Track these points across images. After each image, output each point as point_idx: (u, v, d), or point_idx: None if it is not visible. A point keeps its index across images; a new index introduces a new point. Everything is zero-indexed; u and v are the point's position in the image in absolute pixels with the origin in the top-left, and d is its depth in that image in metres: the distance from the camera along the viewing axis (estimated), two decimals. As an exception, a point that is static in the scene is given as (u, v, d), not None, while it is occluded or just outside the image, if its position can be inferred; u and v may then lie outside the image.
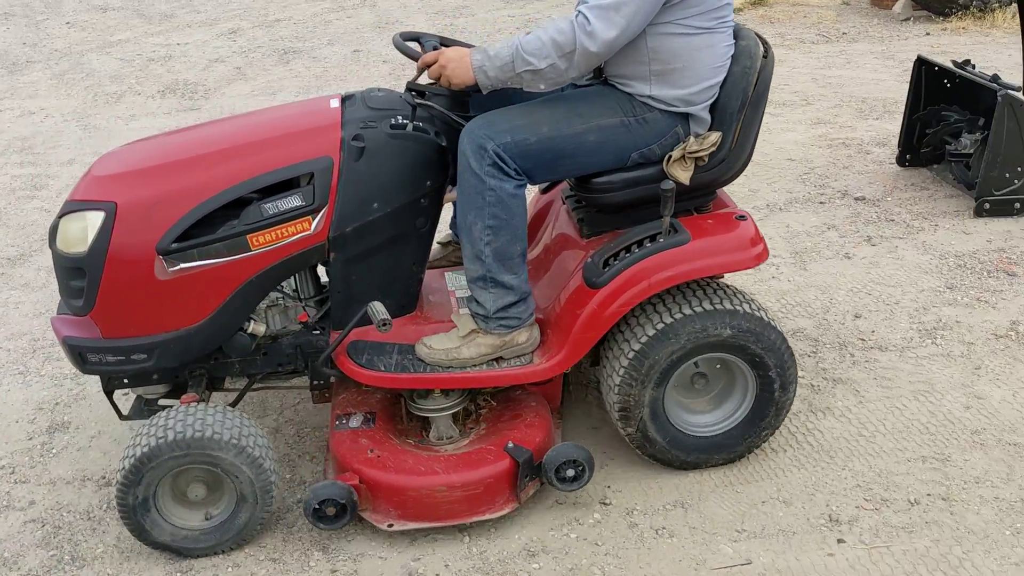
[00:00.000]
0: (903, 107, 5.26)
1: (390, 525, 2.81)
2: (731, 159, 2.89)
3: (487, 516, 2.83)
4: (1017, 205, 4.70)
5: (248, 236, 2.72)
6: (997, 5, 8.44)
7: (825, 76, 7.20)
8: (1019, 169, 4.62)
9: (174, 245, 2.68)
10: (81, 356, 2.79)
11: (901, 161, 5.35)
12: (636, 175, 2.86)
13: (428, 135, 2.84)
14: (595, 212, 3.05)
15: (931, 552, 2.71)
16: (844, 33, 8.50)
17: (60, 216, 2.77)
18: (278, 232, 2.74)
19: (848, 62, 7.59)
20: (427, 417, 3.02)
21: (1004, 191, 4.67)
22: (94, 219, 2.68)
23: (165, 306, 2.76)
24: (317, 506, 2.72)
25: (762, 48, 2.85)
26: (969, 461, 3.07)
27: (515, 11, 9.77)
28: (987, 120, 4.67)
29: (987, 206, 4.69)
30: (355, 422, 3.01)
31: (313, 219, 2.76)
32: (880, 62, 7.51)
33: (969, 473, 3.02)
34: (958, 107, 5.05)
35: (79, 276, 2.74)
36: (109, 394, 3.05)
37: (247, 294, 2.81)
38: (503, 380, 2.91)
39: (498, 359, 2.88)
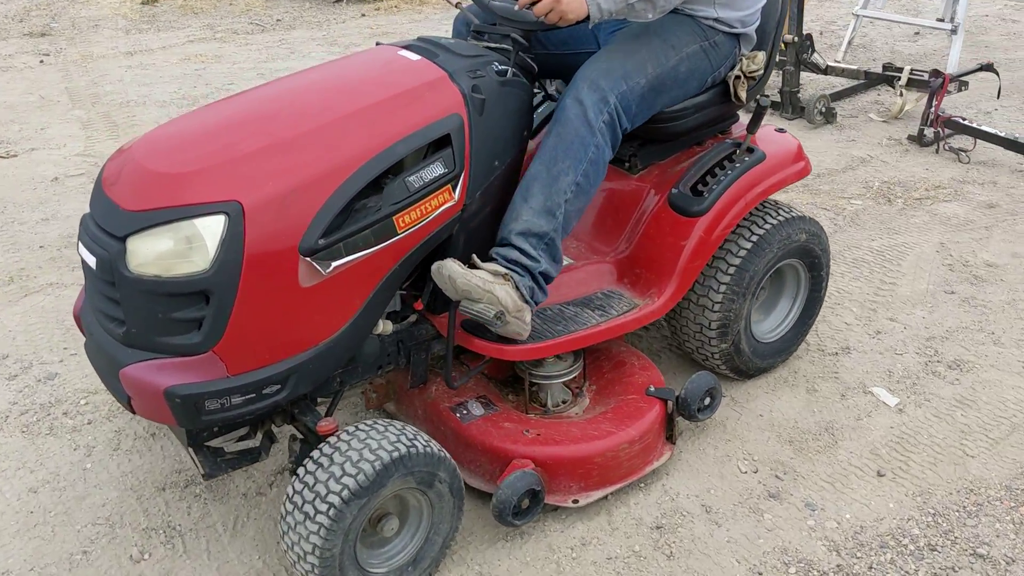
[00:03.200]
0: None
1: (575, 501, 2.61)
2: (764, 78, 3.06)
3: (655, 464, 2.76)
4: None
5: (394, 217, 2.31)
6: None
7: (273, 70, 7.10)
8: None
9: (321, 242, 2.17)
10: (197, 407, 2.17)
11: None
12: (704, 99, 2.92)
13: (524, 80, 2.62)
14: (645, 145, 3.04)
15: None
16: (279, 20, 8.38)
17: (130, 234, 2.11)
18: (423, 208, 2.36)
19: (292, 52, 7.51)
20: (540, 385, 2.83)
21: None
22: (211, 227, 2.08)
23: (307, 319, 2.25)
24: (515, 502, 2.45)
25: None
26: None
27: None
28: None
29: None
30: (477, 410, 2.73)
31: (454, 187, 2.41)
32: (325, 48, 7.62)
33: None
34: None
35: (197, 303, 2.11)
36: (195, 448, 2.42)
37: (389, 286, 2.39)
38: (625, 328, 2.81)
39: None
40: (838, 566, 2.47)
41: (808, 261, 3.17)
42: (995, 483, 2.76)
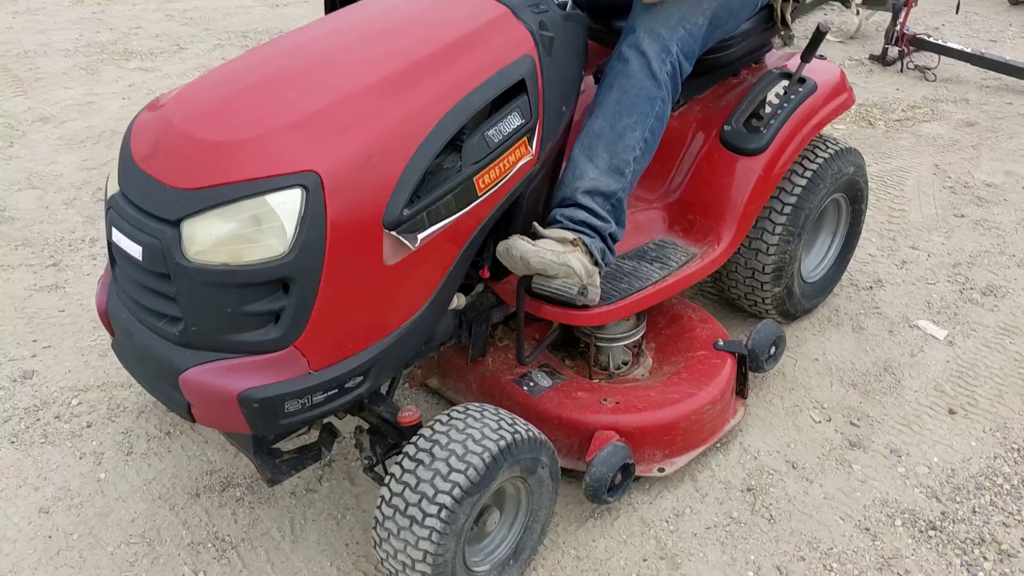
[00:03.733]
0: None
1: (660, 470, 2.44)
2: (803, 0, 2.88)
3: (732, 423, 2.61)
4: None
5: (475, 178, 2.03)
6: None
7: (181, 9, 6.73)
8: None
9: (406, 213, 1.88)
10: (275, 410, 1.88)
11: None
12: (748, 27, 2.71)
13: (583, 14, 2.36)
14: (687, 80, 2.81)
15: None
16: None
17: (185, 217, 1.78)
18: (502, 165, 2.08)
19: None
20: (601, 348, 2.63)
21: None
22: (287, 203, 1.76)
23: (391, 300, 1.97)
24: (609, 478, 2.26)
25: None
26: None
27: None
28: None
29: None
30: (544, 380, 2.51)
31: (530, 140, 2.15)
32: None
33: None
34: None
35: (274, 293, 1.81)
36: (265, 454, 2.14)
37: (467, 256, 2.12)
38: (691, 280, 2.61)
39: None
40: (943, 514, 2.38)
41: (852, 194, 3.03)
42: (1066, 411, 2.72)
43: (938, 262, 3.47)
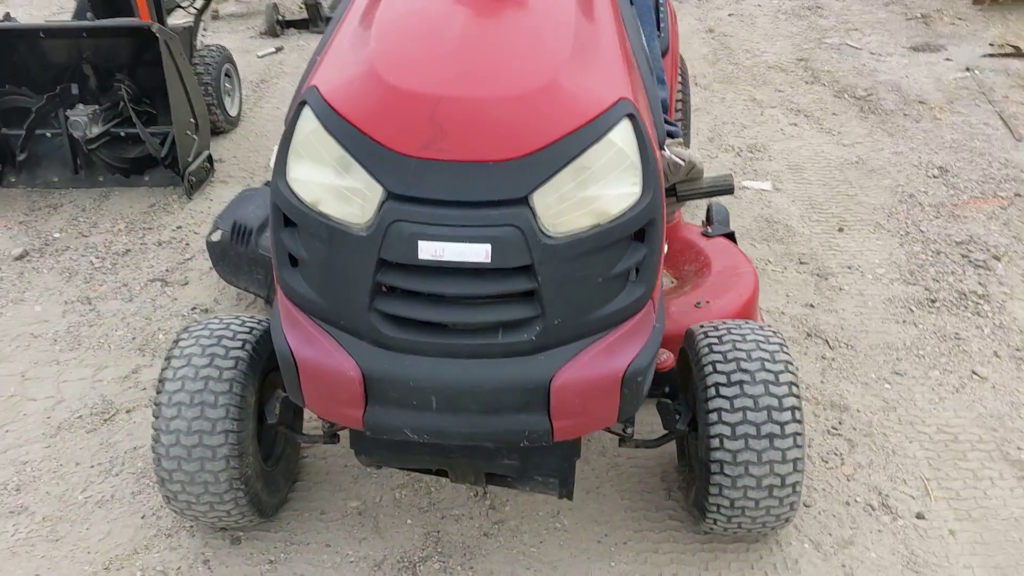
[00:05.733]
0: None
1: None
2: None
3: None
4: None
5: None
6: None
7: None
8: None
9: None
10: (647, 378, 1.75)
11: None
12: None
13: None
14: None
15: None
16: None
17: (533, 189, 1.55)
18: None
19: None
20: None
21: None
22: (626, 137, 1.62)
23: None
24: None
25: None
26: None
27: None
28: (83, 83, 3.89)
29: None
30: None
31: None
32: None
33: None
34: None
35: (635, 243, 1.66)
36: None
37: None
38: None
39: None
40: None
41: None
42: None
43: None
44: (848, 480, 2.33)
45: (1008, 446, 2.43)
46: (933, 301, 3.00)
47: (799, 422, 1.95)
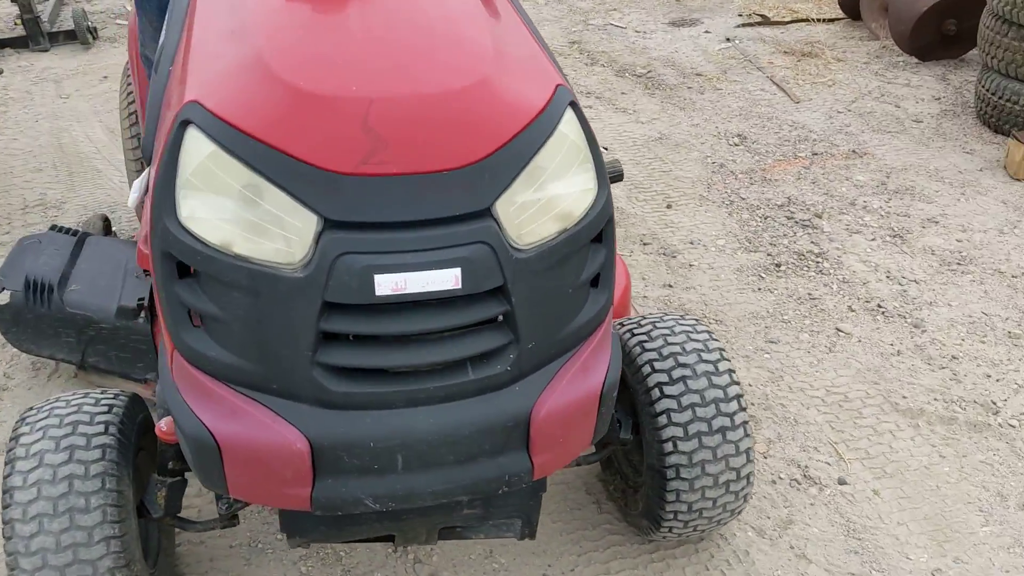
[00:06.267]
0: None
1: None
2: None
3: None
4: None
5: None
6: None
7: None
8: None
9: None
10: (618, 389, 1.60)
11: None
12: None
13: None
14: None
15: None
16: None
17: (496, 199, 1.34)
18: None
19: None
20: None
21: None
22: (572, 126, 1.46)
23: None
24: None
25: None
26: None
27: None
28: None
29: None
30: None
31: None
32: None
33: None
34: None
35: (594, 248, 1.50)
36: None
37: None
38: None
39: None
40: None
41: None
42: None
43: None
44: (765, 458, 2.29)
45: (894, 396, 2.50)
46: (778, 265, 3.05)
47: (744, 409, 1.86)
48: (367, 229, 1.27)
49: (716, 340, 1.93)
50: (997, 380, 2.54)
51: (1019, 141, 3.57)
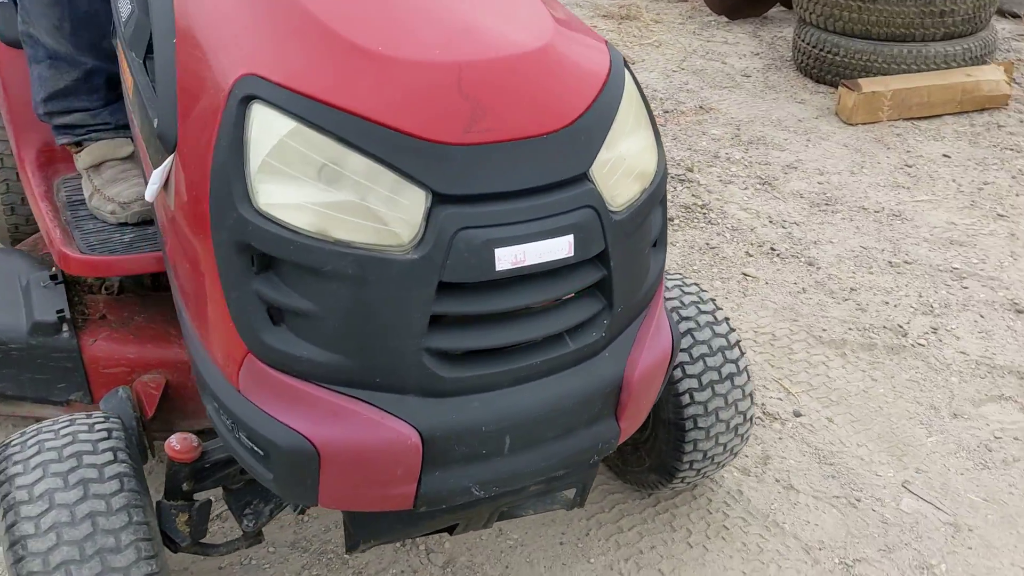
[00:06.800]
0: None
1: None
2: None
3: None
4: None
5: None
6: None
7: None
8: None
9: None
10: None
11: None
12: None
13: None
14: None
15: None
16: None
17: (592, 162, 1.31)
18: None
19: None
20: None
21: None
22: (631, 87, 1.46)
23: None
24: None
25: None
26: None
27: None
28: None
29: None
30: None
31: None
32: None
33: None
34: None
35: (658, 208, 1.50)
36: None
37: None
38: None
39: None
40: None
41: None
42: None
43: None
44: (724, 401, 2.39)
45: (815, 330, 2.67)
46: (670, 219, 3.16)
47: (744, 354, 1.92)
48: (479, 202, 1.19)
49: (706, 291, 1.98)
50: (895, 306, 2.78)
51: (849, 88, 3.90)
